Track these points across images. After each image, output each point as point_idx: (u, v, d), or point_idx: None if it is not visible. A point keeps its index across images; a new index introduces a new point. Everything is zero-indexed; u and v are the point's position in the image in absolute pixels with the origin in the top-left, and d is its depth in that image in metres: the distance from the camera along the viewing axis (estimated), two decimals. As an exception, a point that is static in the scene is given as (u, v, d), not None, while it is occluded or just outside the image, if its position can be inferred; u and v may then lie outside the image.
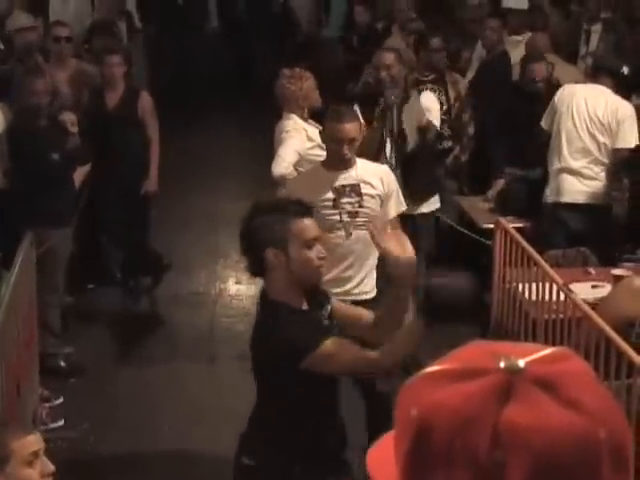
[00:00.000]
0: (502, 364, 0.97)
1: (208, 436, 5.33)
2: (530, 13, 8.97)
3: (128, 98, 7.28)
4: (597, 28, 8.98)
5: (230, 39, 14.25)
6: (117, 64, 7.23)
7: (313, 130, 5.79)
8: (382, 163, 5.50)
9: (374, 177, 4.89)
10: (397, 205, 5.01)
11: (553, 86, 6.99)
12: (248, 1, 14.38)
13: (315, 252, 3.43)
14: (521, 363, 0.97)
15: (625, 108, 6.44)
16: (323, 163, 4.92)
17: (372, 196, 4.85)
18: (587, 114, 6.37)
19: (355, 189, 4.81)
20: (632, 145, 6.36)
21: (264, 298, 3.51)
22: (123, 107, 7.24)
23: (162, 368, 6.35)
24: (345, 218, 4.78)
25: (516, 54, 8.38)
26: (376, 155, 5.69)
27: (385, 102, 6.01)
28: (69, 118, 6.62)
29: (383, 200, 4.90)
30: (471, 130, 7.63)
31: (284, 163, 5.63)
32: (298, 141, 5.79)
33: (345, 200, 4.79)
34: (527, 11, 8.91)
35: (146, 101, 7.36)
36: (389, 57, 6.29)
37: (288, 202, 3.53)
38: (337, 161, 4.82)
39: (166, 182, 7.66)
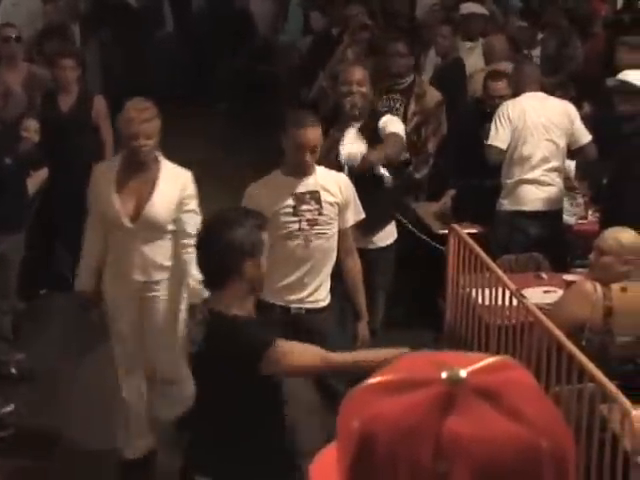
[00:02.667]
0: (444, 374, 0.97)
1: (166, 442, 5.29)
2: (488, 19, 9.02)
3: (82, 102, 7.23)
4: (536, 52, 9.12)
5: (186, 43, 14.18)
6: (71, 67, 7.18)
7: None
8: None
9: (333, 184, 4.85)
10: (355, 214, 4.97)
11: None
12: (204, 6, 14.32)
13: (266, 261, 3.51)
14: (463, 373, 0.97)
15: (570, 106, 6.62)
16: (282, 170, 4.85)
17: (331, 204, 4.81)
18: (541, 123, 6.44)
19: (315, 196, 4.77)
20: (590, 137, 6.49)
21: (219, 314, 3.45)
22: (77, 111, 7.19)
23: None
24: (304, 226, 4.74)
25: (470, 61, 8.43)
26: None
27: (340, 125, 5.61)
28: (31, 125, 6.56)
29: (341, 208, 4.86)
30: (431, 146, 7.27)
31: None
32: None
33: (305, 207, 4.74)
34: (485, 17, 8.95)
35: (100, 105, 7.30)
36: (360, 72, 5.76)
37: (250, 213, 3.56)
38: (297, 168, 4.76)
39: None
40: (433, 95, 7.13)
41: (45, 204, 6.96)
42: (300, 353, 3.43)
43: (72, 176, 7.01)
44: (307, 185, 4.78)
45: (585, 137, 6.53)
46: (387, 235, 5.82)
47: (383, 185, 5.70)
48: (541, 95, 6.60)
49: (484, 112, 6.90)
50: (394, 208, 6.04)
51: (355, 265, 5.00)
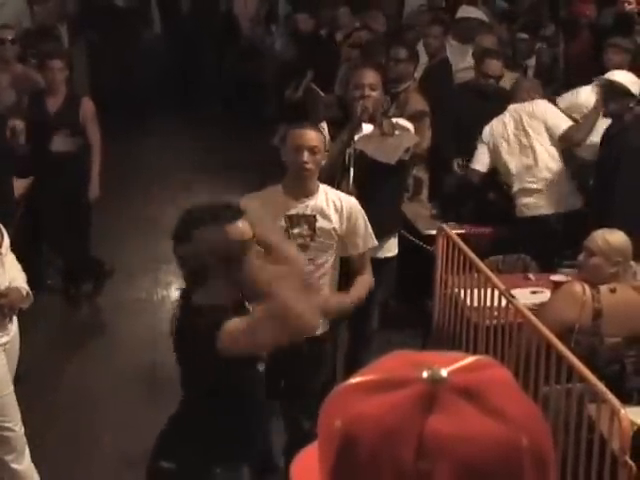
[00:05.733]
0: (425, 374, 0.97)
1: (149, 445, 5.27)
2: (485, 24, 9.02)
3: (69, 104, 7.20)
4: (531, 62, 9.15)
5: (173, 45, 14.19)
6: (58, 68, 7.16)
7: None
8: (343, 191, 4.88)
9: (334, 211, 4.55)
10: (365, 240, 4.65)
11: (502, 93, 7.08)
12: (192, 7, 14.32)
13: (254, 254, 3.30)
14: (444, 372, 0.97)
15: (540, 104, 6.63)
16: (283, 186, 4.54)
17: (327, 231, 4.51)
18: (512, 132, 6.51)
19: (309, 220, 4.49)
20: (569, 122, 6.53)
21: (191, 306, 3.34)
22: (64, 113, 7.17)
23: (103, 375, 6.28)
24: None
25: (460, 62, 8.44)
26: (338, 181, 5.10)
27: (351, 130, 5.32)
28: (17, 126, 6.54)
29: (342, 236, 4.57)
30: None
31: None
32: None
33: (297, 231, 4.48)
34: (482, 22, 8.94)
35: (88, 107, 7.29)
36: (372, 76, 5.49)
37: (221, 208, 3.34)
38: (297, 180, 4.48)
39: (108, 189, 7.59)
40: (415, 104, 6.79)
41: (31, 205, 6.94)
42: (250, 317, 3.19)
43: (59, 178, 7.00)
44: (303, 208, 4.50)
45: (564, 123, 6.53)
46: (390, 246, 5.61)
47: (405, 174, 5.74)
48: (514, 106, 6.65)
49: (474, 94, 7.00)
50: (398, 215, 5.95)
51: (369, 277, 4.71)
